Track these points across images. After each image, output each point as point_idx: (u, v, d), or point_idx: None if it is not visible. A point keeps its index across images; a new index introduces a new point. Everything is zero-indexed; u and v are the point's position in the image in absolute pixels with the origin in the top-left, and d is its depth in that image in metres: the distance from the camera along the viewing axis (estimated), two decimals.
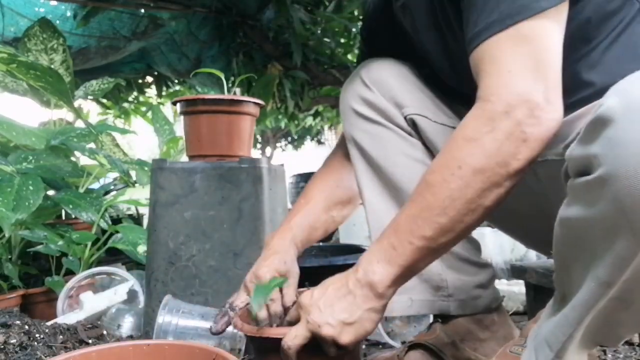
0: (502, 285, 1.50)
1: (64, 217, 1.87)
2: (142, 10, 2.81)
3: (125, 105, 4.14)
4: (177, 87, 4.26)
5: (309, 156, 9.41)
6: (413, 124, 0.90)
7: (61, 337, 1.06)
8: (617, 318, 0.57)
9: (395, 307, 0.92)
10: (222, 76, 1.31)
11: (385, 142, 0.91)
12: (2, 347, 0.97)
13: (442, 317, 0.93)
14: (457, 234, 0.66)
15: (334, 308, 0.68)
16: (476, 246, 0.95)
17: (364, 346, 1.20)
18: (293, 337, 0.69)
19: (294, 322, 0.79)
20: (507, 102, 0.61)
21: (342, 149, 1.01)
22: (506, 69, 0.63)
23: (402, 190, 0.90)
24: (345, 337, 0.68)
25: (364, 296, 0.68)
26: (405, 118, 0.90)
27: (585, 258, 0.56)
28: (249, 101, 1.29)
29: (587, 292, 0.56)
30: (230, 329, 1.05)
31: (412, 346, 0.91)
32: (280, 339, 0.79)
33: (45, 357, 0.96)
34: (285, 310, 0.90)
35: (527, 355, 0.66)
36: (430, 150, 0.92)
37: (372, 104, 0.91)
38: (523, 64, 0.62)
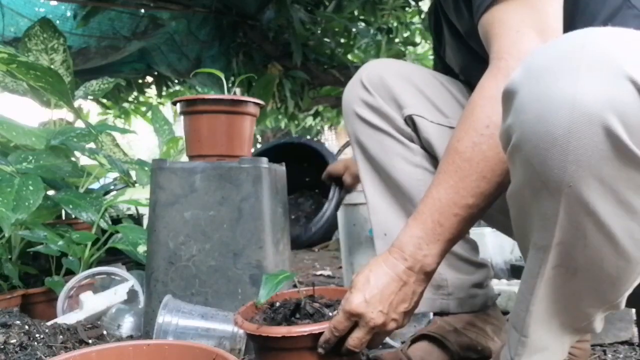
0: (502, 285, 1.50)
1: (64, 217, 1.87)
2: (142, 10, 2.81)
3: (125, 105, 4.14)
4: (177, 87, 4.26)
5: None
6: (412, 123, 0.93)
7: (61, 337, 1.06)
8: (571, 290, 0.56)
9: None
10: (222, 76, 1.31)
11: (386, 146, 0.95)
12: (2, 347, 0.97)
13: (441, 315, 0.95)
14: (496, 196, 0.68)
15: (393, 304, 0.70)
16: (474, 246, 0.98)
17: None
18: (360, 343, 0.71)
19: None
20: (519, 57, 0.65)
21: None
22: (515, 30, 0.67)
23: (402, 192, 0.94)
24: (406, 321, 0.73)
25: (419, 281, 0.71)
26: (404, 119, 0.93)
27: (525, 228, 0.57)
28: (249, 101, 1.29)
29: (529, 260, 0.58)
30: (230, 328, 1.05)
31: (415, 339, 0.93)
32: (279, 337, 0.79)
33: (45, 357, 0.96)
34: (293, 311, 0.91)
35: (504, 348, 0.66)
36: (428, 152, 0.95)
37: (373, 107, 0.94)
38: (529, 25, 0.67)
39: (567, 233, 0.52)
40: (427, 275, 0.71)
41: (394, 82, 0.93)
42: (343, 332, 0.72)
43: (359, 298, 0.70)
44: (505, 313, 1.17)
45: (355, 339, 0.71)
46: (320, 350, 0.75)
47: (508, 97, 0.51)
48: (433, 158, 0.94)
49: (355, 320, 0.71)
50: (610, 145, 0.44)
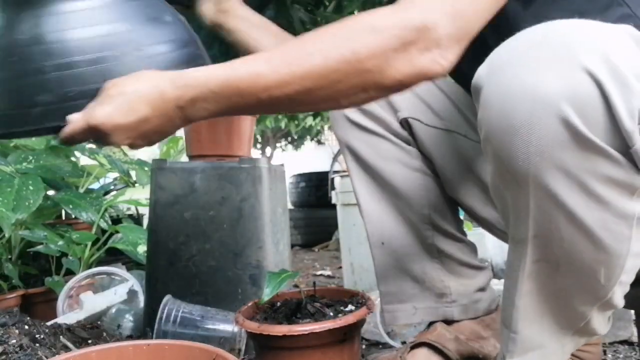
0: (502, 285, 1.50)
1: (64, 217, 1.87)
2: None
3: None
4: None
5: (309, 156, 9.40)
6: (408, 126, 0.91)
7: (61, 337, 1.06)
8: (558, 286, 0.56)
9: (400, 316, 0.94)
10: None
11: (382, 150, 0.91)
12: (2, 347, 0.97)
13: (445, 321, 0.94)
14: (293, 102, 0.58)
15: (147, 135, 0.61)
16: (473, 249, 0.96)
17: (363, 346, 1.20)
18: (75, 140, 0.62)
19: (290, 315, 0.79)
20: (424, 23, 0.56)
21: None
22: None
23: (400, 197, 0.91)
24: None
25: (181, 121, 0.61)
26: (400, 122, 0.91)
27: (507, 221, 0.57)
28: None
29: (510, 254, 0.58)
30: (230, 328, 1.05)
31: (415, 345, 0.92)
32: (280, 336, 0.79)
33: (45, 357, 0.96)
34: (294, 311, 0.91)
35: (500, 348, 0.66)
36: (425, 156, 0.92)
37: (366, 111, 0.91)
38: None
39: (541, 226, 0.52)
40: (188, 122, 0.61)
41: None
42: (78, 141, 0.62)
43: (108, 118, 0.58)
44: None
45: (76, 137, 0.61)
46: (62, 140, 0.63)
47: (475, 91, 0.52)
48: (430, 161, 0.92)
49: (95, 135, 0.60)
50: (569, 135, 0.45)
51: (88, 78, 0.64)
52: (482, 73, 0.51)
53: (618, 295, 0.56)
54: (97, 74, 0.64)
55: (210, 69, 0.59)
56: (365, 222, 0.94)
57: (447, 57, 0.57)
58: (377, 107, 0.90)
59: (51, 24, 0.66)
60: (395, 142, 0.91)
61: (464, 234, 0.96)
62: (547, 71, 0.46)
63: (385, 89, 0.59)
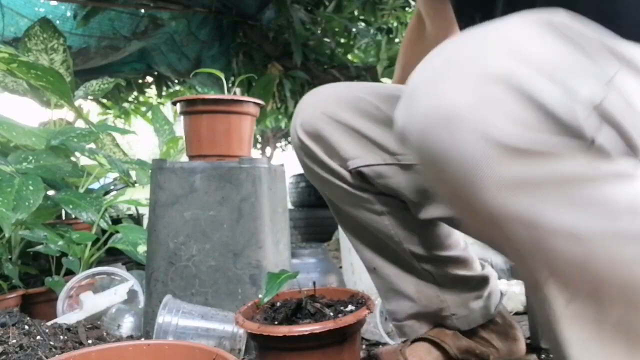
0: (502, 285, 1.50)
1: (64, 217, 1.87)
2: (142, 10, 2.81)
3: (125, 105, 4.15)
4: (177, 87, 4.26)
5: None
6: (359, 175, 0.87)
7: (61, 337, 1.06)
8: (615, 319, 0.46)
9: (408, 331, 0.96)
10: (222, 76, 1.31)
11: (346, 200, 0.89)
12: (2, 347, 0.97)
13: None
14: None
15: None
16: (465, 259, 0.93)
17: (363, 346, 1.20)
18: None
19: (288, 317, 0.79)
20: None
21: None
22: None
23: (376, 237, 0.91)
24: None
25: None
26: (350, 172, 0.87)
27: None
28: (249, 101, 1.29)
29: (539, 308, 0.48)
30: (230, 328, 1.05)
31: (415, 340, 0.94)
32: (280, 337, 0.79)
33: (45, 357, 0.96)
34: (294, 311, 0.90)
35: None
36: (387, 194, 0.88)
37: (318, 161, 0.88)
38: None
39: (545, 264, 0.44)
40: None
41: (328, 132, 0.85)
42: None
43: None
44: None
45: None
46: None
47: (402, 138, 0.48)
48: (394, 198, 0.88)
49: None
50: (498, 151, 0.41)
51: None
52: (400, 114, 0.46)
53: None
54: None
55: None
56: (356, 251, 0.96)
57: None
58: (327, 158, 0.87)
59: None
60: (353, 193, 0.88)
61: (451, 248, 0.92)
62: (455, 92, 0.41)
63: None
